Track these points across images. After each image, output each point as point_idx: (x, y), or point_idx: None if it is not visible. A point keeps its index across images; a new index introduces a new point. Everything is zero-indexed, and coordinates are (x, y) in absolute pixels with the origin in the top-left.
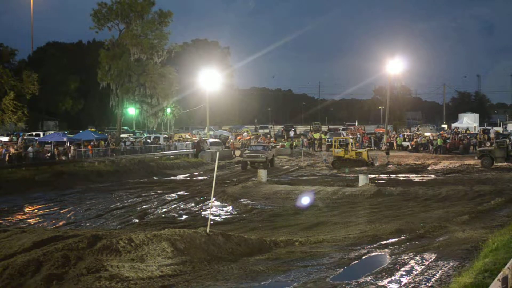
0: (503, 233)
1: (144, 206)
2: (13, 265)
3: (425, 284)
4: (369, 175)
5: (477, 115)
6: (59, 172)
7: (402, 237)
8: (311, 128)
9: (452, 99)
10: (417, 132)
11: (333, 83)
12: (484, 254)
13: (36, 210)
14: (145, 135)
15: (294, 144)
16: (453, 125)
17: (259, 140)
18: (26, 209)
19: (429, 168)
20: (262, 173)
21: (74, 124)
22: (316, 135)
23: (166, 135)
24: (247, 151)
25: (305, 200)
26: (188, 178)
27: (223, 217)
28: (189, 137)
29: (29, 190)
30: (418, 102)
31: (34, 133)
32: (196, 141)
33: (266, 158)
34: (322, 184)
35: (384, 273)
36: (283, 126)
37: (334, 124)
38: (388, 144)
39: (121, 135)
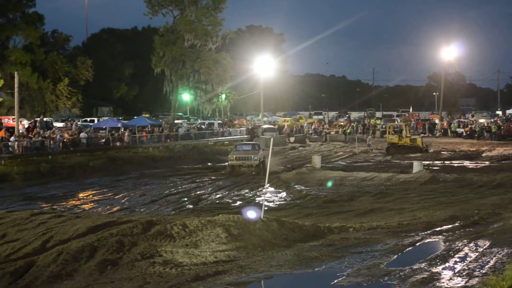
0: None
1: (198, 192)
2: (68, 250)
3: (479, 271)
4: (423, 162)
5: None
6: (114, 158)
7: (456, 224)
8: (365, 115)
9: (507, 86)
10: (471, 119)
11: (387, 69)
12: None
13: (91, 196)
14: (199, 121)
15: (348, 131)
16: (508, 111)
17: (313, 127)
18: (81, 195)
19: (484, 154)
20: (317, 159)
21: (128, 110)
22: (371, 121)
23: (220, 121)
24: (233, 152)
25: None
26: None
27: (277, 203)
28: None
29: (84, 176)
30: (472, 88)
31: (88, 119)
32: (250, 127)
33: (258, 160)
34: (376, 171)
35: (438, 260)
36: (337, 112)
37: (388, 110)
38: (442, 130)
39: (176, 121)
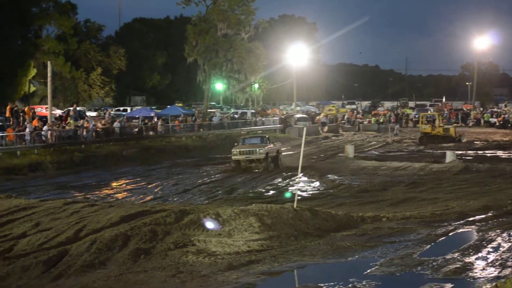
0: None
1: (231, 181)
2: (101, 239)
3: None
4: (456, 152)
5: None
6: (147, 147)
7: (489, 214)
8: (398, 104)
9: None
10: (505, 109)
11: (420, 58)
12: None
13: (124, 185)
14: (232, 110)
15: (381, 120)
16: None
17: (346, 116)
18: (114, 184)
19: None
20: (350, 149)
21: (161, 99)
22: (407, 111)
23: (253, 110)
24: (238, 145)
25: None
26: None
27: (310, 192)
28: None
29: (117, 165)
30: (506, 78)
31: (121, 108)
32: (283, 116)
33: (266, 154)
34: (409, 160)
35: (470, 250)
36: (370, 102)
37: (421, 100)
38: (475, 120)
39: (209, 110)
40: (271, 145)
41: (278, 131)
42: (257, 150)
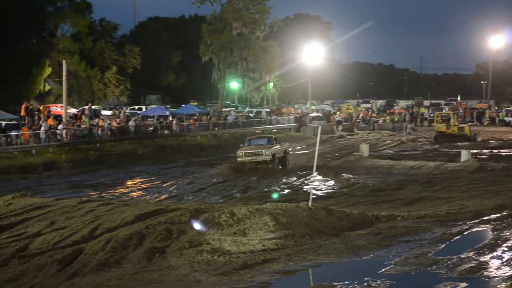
0: None
1: (246, 180)
2: (116, 238)
3: None
4: (471, 150)
5: None
6: (162, 146)
7: (504, 213)
8: (413, 103)
9: None
10: None
11: (435, 57)
12: None
13: (139, 184)
14: (247, 109)
15: (395, 119)
16: None
17: (361, 115)
18: (129, 183)
19: None
20: (364, 148)
21: (176, 98)
22: (422, 110)
23: (268, 109)
24: (244, 146)
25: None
26: (290, 153)
27: (325, 191)
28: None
29: (132, 164)
30: None
31: (136, 107)
32: (298, 115)
33: (272, 156)
34: (424, 159)
35: (486, 249)
36: (385, 101)
37: (436, 99)
38: (490, 119)
39: (223, 109)
40: (278, 146)
41: (293, 130)
42: (263, 151)
